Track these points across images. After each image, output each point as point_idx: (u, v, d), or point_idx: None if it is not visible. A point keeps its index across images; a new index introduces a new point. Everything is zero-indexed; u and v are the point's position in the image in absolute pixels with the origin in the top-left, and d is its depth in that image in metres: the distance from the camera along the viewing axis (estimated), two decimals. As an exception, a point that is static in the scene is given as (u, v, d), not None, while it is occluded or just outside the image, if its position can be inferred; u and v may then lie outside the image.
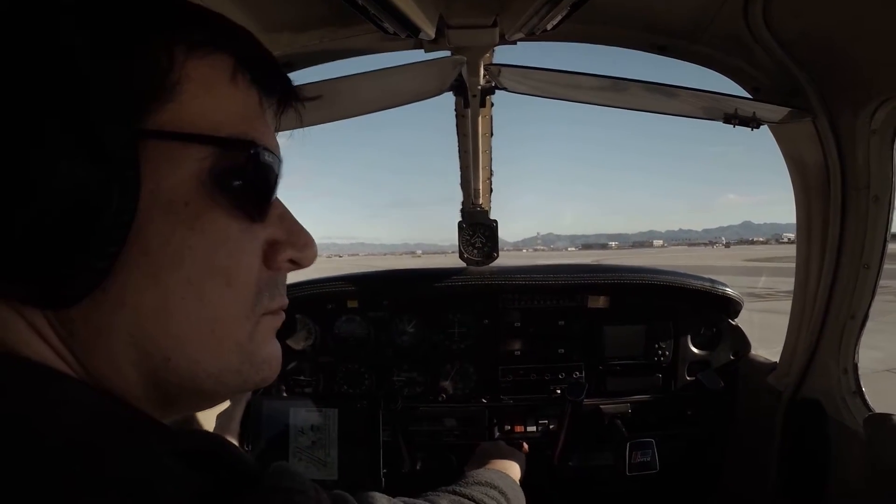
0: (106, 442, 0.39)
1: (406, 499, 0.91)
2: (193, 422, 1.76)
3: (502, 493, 1.20)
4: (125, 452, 0.39)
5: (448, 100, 1.56)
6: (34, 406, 0.38)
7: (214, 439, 0.48)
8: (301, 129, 0.64)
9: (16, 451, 0.35)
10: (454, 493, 1.14)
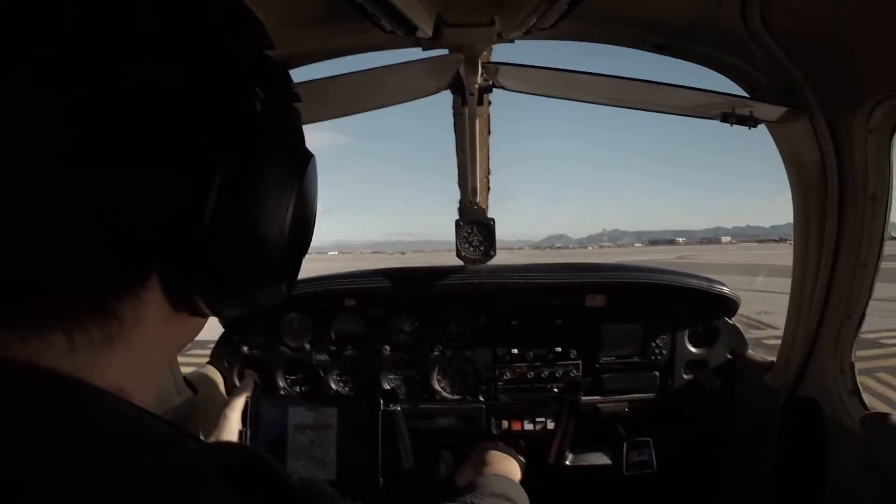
0: (149, 459, 0.38)
1: None
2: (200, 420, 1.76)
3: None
4: (168, 470, 0.38)
5: (446, 97, 1.56)
6: (77, 424, 0.37)
7: (251, 453, 0.48)
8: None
9: (60, 470, 0.34)
10: None
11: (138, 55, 0.40)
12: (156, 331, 0.46)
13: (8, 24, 0.37)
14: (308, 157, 0.53)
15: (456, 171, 1.89)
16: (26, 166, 0.37)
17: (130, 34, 0.40)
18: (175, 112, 0.41)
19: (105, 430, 0.38)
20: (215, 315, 0.51)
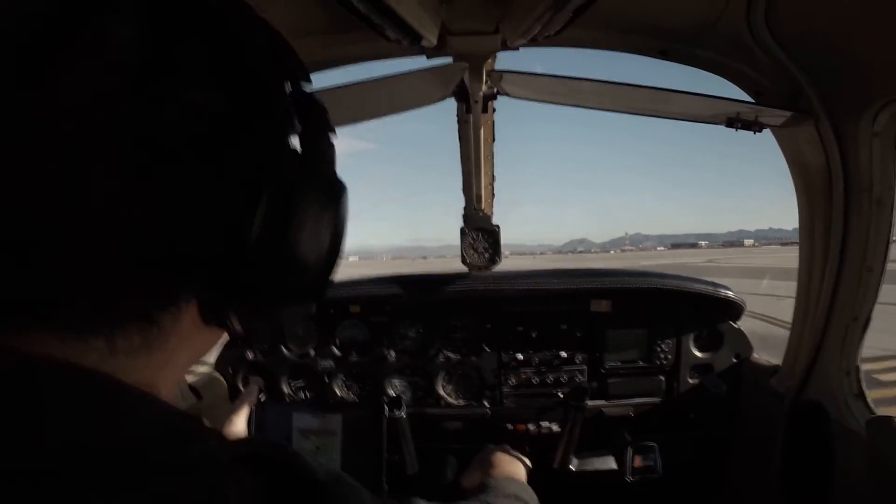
0: (179, 453, 0.41)
1: None
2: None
3: None
4: (196, 462, 0.41)
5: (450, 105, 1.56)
6: (100, 418, 0.39)
7: (276, 446, 0.51)
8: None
9: (82, 463, 0.36)
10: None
11: (185, 82, 0.42)
12: (187, 340, 0.49)
13: (63, 38, 0.39)
14: (343, 188, 0.56)
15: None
16: (88, 182, 0.39)
17: (179, 60, 0.42)
18: (225, 140, 0.44)
19: (137, 427, 0.41)
20: (244, 331, 0.54)
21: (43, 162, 0.38)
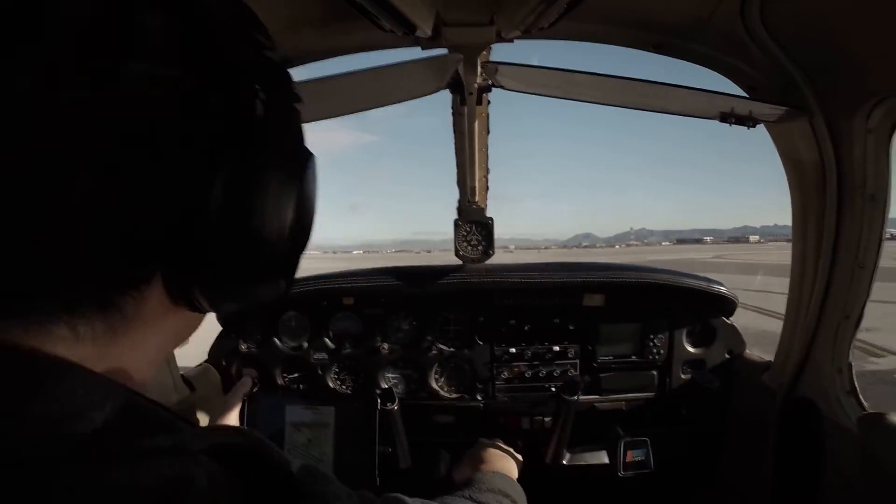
0: (137, 442, 0.40)
1: (424, 500, 0.92)
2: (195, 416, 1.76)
3: (514, 502, 1.21)
4: (161, 450, 0.40)
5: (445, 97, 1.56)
6: (66, 405, 0.39)
7: (248, 436, 0.49)
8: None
9: (47, 451, 0.36)
10: (471, 499, 1.14)
11: (140, 55, 0.41)
12: (156, 323, 0.48)
13: (15, 23, 0.38)
14: (308, 157, 0.54)
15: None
16: (34, 167, 0.38)
17: (133, 34, 0.41)
18: (177, 112, 0.42)
19: (100, 414, 0.39)
20: (214, 311, 0.52)
21: None
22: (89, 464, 0.36)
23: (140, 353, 0.48)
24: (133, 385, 0.45)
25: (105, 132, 0.39)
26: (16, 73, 0.37)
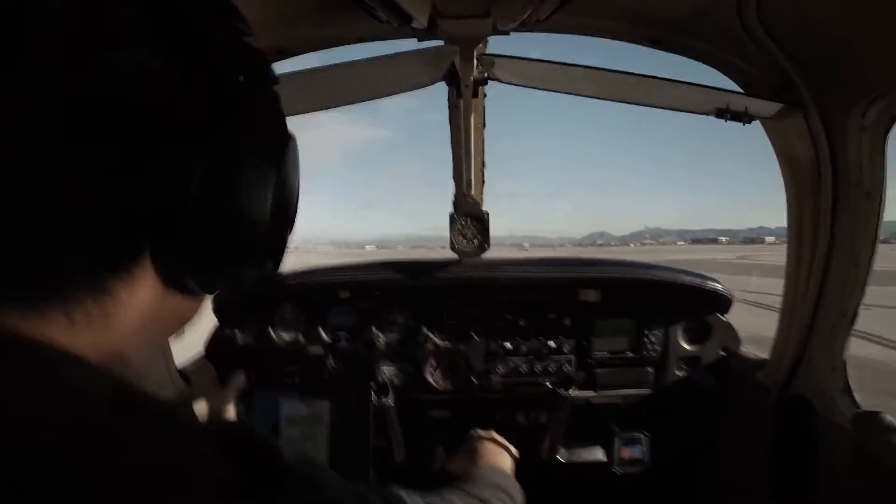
0: (131, 427, 0.40)
1: (424, 493, 0.91)
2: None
3: (511, 497, 1.21)
4: (155, 437, 0.40)
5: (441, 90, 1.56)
6: (52, 393, 0.39)
7: (243, 426, 0.50)
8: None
9: (34, 440, 0.36)
10: (468, 494, 1.14)
11: (119, 43, 0.42)
12: (149, 309, 0.48)
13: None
14: (287, 139, 0.55)
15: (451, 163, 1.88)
16: (22, 152, 0.39)
17: (111, 23, 0.42)
18: (158, 97, 0.43)
19: (93, 402, 0.39)
20: (205, 292, 0.53)
21: None
22: (83, 450, 0.36)
23: (135, 340, 0.49)
24: (129, 373, 0.46)
25: (84, 113, 0.40)
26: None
